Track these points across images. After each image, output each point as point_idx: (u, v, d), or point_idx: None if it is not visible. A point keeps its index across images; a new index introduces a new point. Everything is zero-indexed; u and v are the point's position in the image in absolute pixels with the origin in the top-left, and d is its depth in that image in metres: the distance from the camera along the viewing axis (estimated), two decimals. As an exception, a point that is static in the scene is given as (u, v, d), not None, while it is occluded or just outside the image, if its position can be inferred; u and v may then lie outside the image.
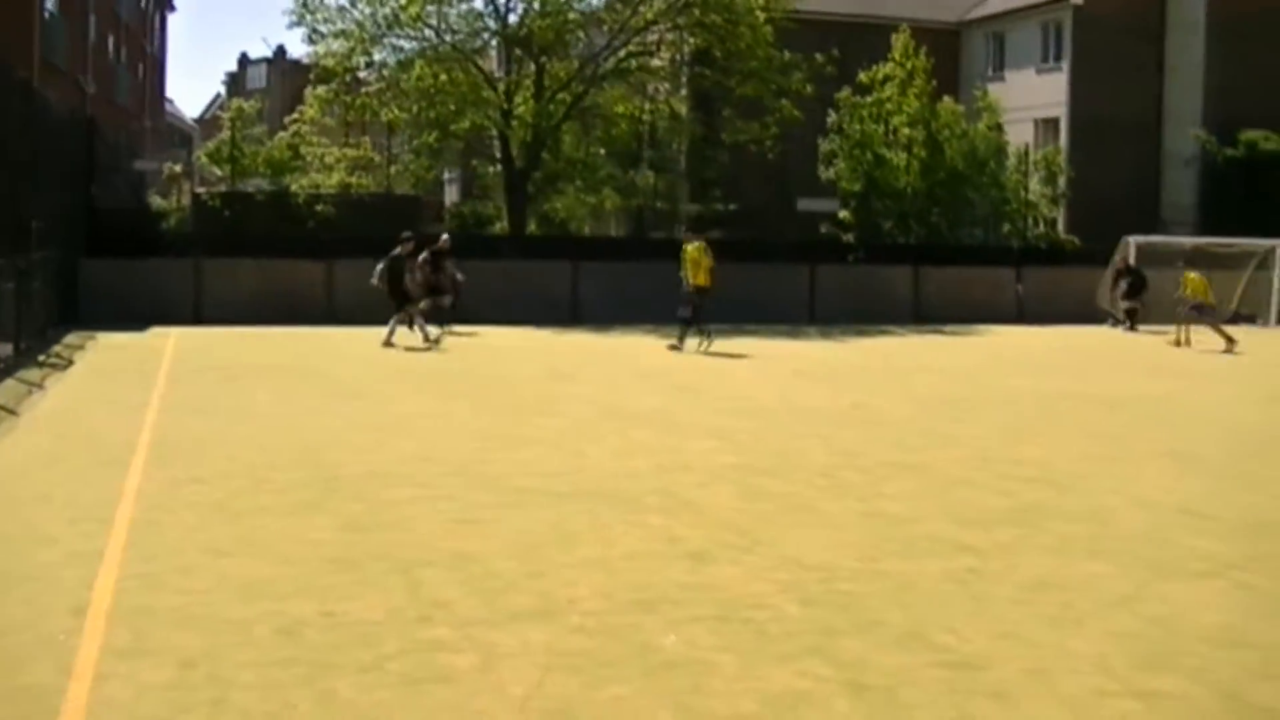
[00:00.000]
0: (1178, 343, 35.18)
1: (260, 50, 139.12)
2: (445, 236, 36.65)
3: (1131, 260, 41.58)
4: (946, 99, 49.96)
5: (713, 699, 7.56)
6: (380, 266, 31.86)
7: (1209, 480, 15.21)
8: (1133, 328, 39.79)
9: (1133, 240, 42.41)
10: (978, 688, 7.87)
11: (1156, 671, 8.22)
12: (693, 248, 31.76)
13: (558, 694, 7.58)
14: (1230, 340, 34.01)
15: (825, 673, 8.03)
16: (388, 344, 30.33)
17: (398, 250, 32.07)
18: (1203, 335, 35.19)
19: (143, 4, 72.88)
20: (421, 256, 33.96)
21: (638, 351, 30.66)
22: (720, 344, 30.90)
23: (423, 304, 32.93)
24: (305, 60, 56.64)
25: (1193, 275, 36.43)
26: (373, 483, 13.75)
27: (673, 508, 12.74)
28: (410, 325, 31.51)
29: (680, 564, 10.58)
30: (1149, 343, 36.33)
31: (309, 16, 45.25)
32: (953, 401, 22.32)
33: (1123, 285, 40.53)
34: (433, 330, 32.18)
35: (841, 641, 8.64)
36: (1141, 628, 9.15)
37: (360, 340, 30.90)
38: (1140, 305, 40.39)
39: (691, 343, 30.51)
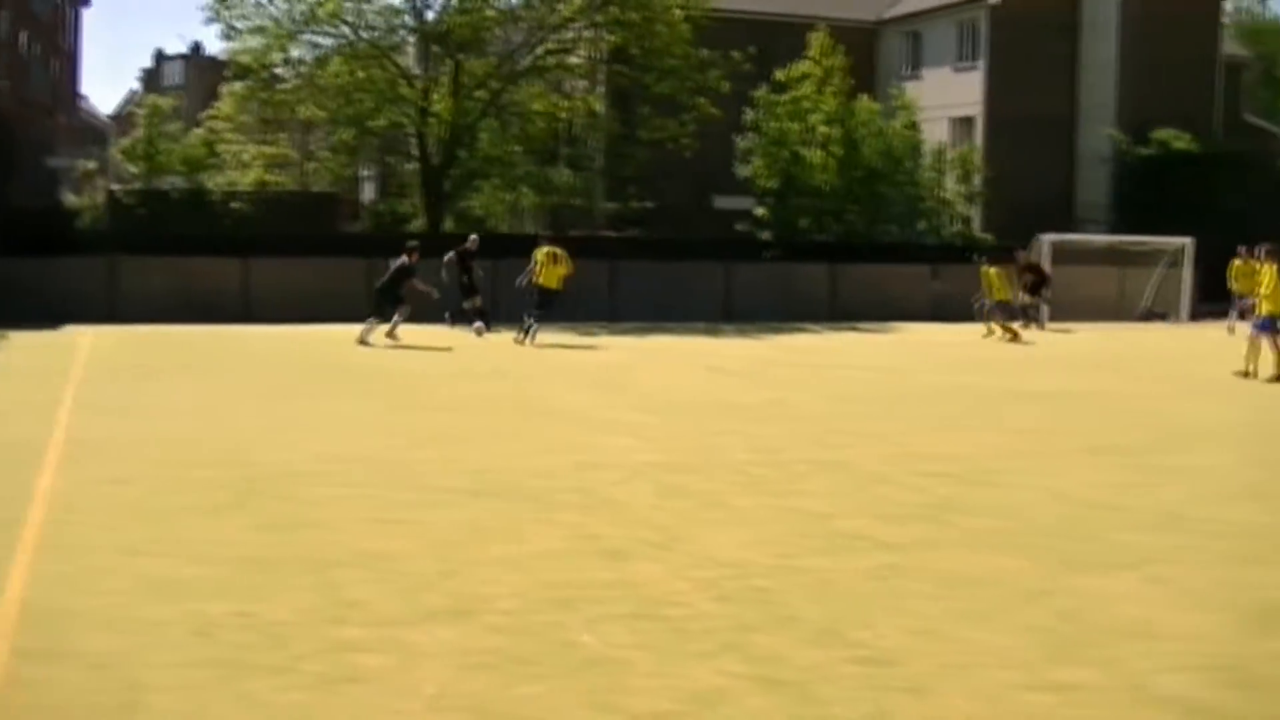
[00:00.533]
0: (990, 333, 35.83)
1: (176, 46, 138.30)
2: (474, 237, 36.77)
3: (1045, 259, 41.85)
4: (863, 97, 50.15)
5: (629, 696, 7.56)
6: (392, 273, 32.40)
7: (1124, 474, 15.33)
8: (1029, 324, 40.15)
9: (1046, 238, 42.71)
10: (893, 683, 7.90)
11: (1068, 664, 8.28)
12: (542, 253, 32.78)
13: (472, 693, 7.57)
14: (1015, 334, 35.45)
15: (741, 669, 8.04)
16: (392, 335, 31.34)
17: (403, 259, 32.54)
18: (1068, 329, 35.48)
19: (56, -1, 72.27)
20: (448, 256, 34.74)
21: (557, 349, 30.61)
22: (638, 341, 31.04)
23: (464, 304, 34.36)
24: (221, 57, 56.29)
25: (991, 270, 36.91)
26: (291, 482, 13.69)
27: (590, 505, 12.74)
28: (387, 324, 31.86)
29: (597, 562, 10.57)
30: (1051, 339, 36.62)
31: (225, 13, 45.09)
32: (870, 398, 22.43)
33: (1025, 282, 40.85)
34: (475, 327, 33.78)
35: (757, 638, 8.64)
36: (1055, 621, 9.21)
37: (277, 338, 30.78)
38: (1041, 303, 40.75)
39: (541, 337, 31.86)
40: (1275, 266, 26.42)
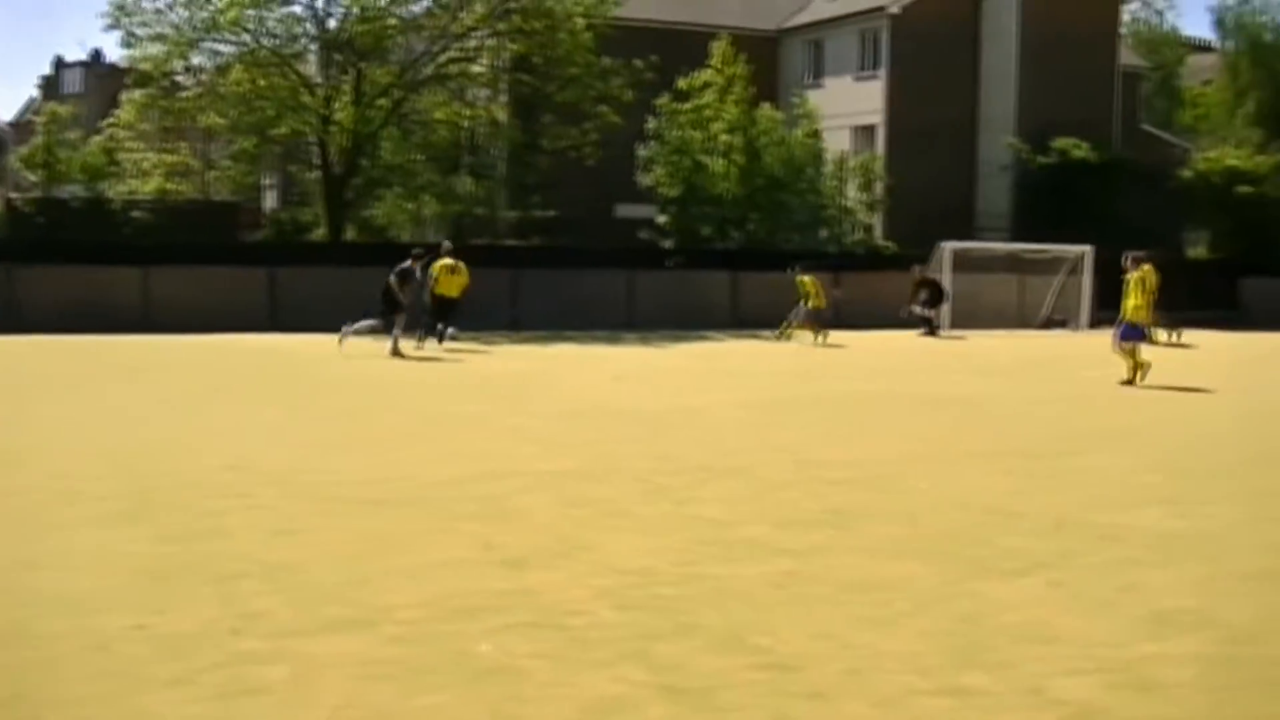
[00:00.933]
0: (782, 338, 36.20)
1: (76, 54, 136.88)
2: (447, 243, 36.90)
3: (946, 267, 42.16)
4: (765, 106, 50.34)
5: (528, 706, 7.57)
6: (393, 277, 32.40)
7: (1021, 479, 15.48)
8: (932, 333, 40.51)
9: (947, 246, 43.00)
10: (795, 689, 7.95)
11: (967, 668, 8.36)
12: (439, 265, 34.11)
13: (372, 703, 7.55)
14: (823, 336, 36.16)
15: (641, 677, 8.06)
16: (396, 353, 30.92)
17: (409, 263, 32.68)
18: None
19: (-48, 5, 71.50)
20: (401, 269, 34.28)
21: (458, 357, 30.54)
22: (540, 349, 31.06)
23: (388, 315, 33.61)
24: (122, 64, 55.85)
25: (806, 279, 37.33)
26: (190, 493, 13.58)
27: (491, 514, 12.72)
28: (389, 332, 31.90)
29: (497, 571, 10.56)
30: (956, 347, 36.88)
31: (125, 19, 44.76)
32: (771, 405, 22.50)
33: (923, 295, 41.17)
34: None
35: (658, 646, 8.67)
36: (953, 626, 9.30)
37: (176, 348, 30.56)
38: (937, 314, 41.10)
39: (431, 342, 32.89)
40: (1137, 276, 27.47)
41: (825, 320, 37.99)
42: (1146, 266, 27.58)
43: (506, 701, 7.63)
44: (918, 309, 40.97)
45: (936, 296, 41.10)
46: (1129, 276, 27.56)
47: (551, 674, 8.09)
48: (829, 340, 36.26)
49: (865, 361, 31.15)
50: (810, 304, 37.80)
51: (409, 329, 32.03)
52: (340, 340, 31.09)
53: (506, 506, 13.12)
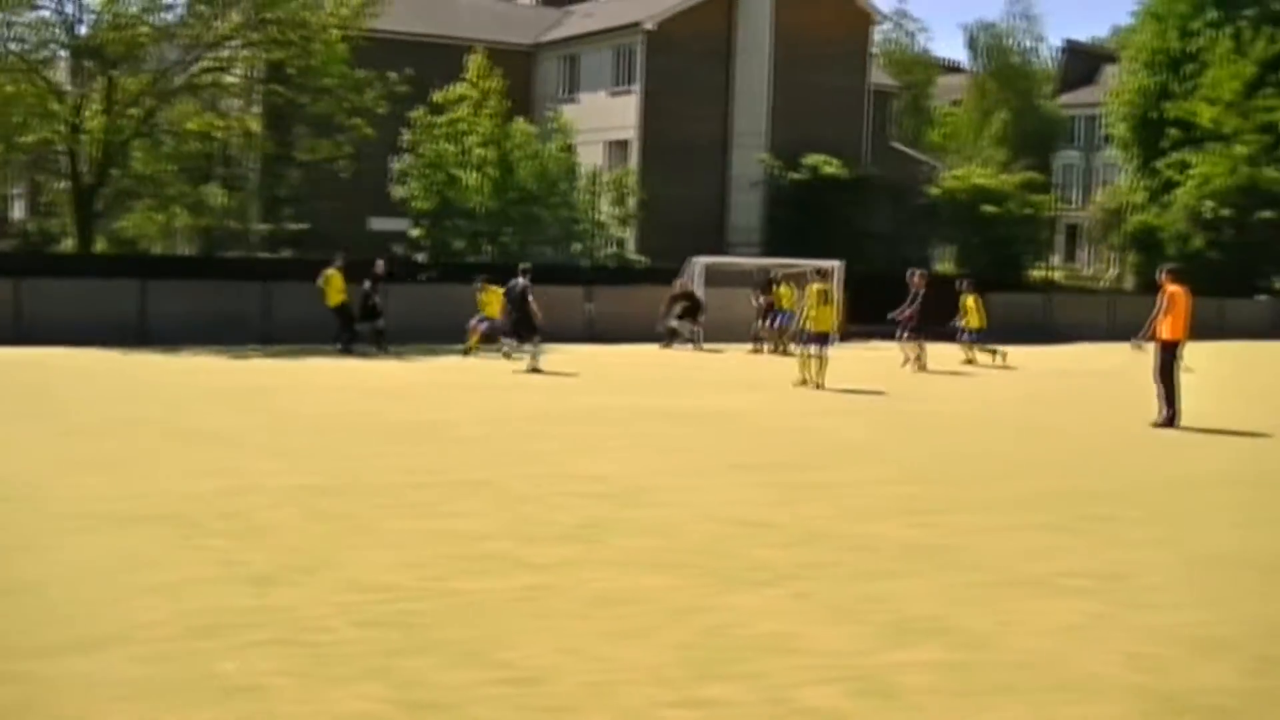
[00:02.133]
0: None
1: None
2: (380, 261, 38.23)
3: (699, 280, 42.49)
4: (520, 120, 50.36)
5: (271, 724, 7.52)
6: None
7: (769, 491, 15.64)
8: (671, 343, 40.85)
9: (699, 261, 43.31)
10: (538, 703, 7.98)
11: (712, 680, 8.45)
12: (332, 272, 35.60)
13: (110, 725, 7.44)
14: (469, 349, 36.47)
15: (385, 694, 8.04)
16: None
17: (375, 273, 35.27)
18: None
19: None
20: (366, 285, 36.80)
21: (207, 371, 30.10)
22: (291, 363, 30.83)
23: (364, 326, 36.64)
24: None
25: (488, 291, 37.79)
26: (-76, 510, 13.26)
27: (237, 530, 12.57)
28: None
29: (243, 588, 10.44)
30: (708, 360, 37.19)
31: None
32: (524, 418, 22.47)
33: (677, 309, 41.44)
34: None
35: (403, 662, 8.64)
36: (700, 638, 9.38)
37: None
38: (697, 327, 41.38)
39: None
40: (818, 288, 29.58)
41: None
42: (820, 285, 29.92)
43: (249, 720, 7.56)
44: (673, 322, 41.22)
45: (694, 309, 41.35)
46: (810, 288, 29.07)
47: (296, 692, 8.03)
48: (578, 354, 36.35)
49: (616, 375, 31.22)
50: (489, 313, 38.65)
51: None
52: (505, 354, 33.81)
53: (253, 523, 12.97)
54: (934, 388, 29.60)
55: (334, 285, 36.03)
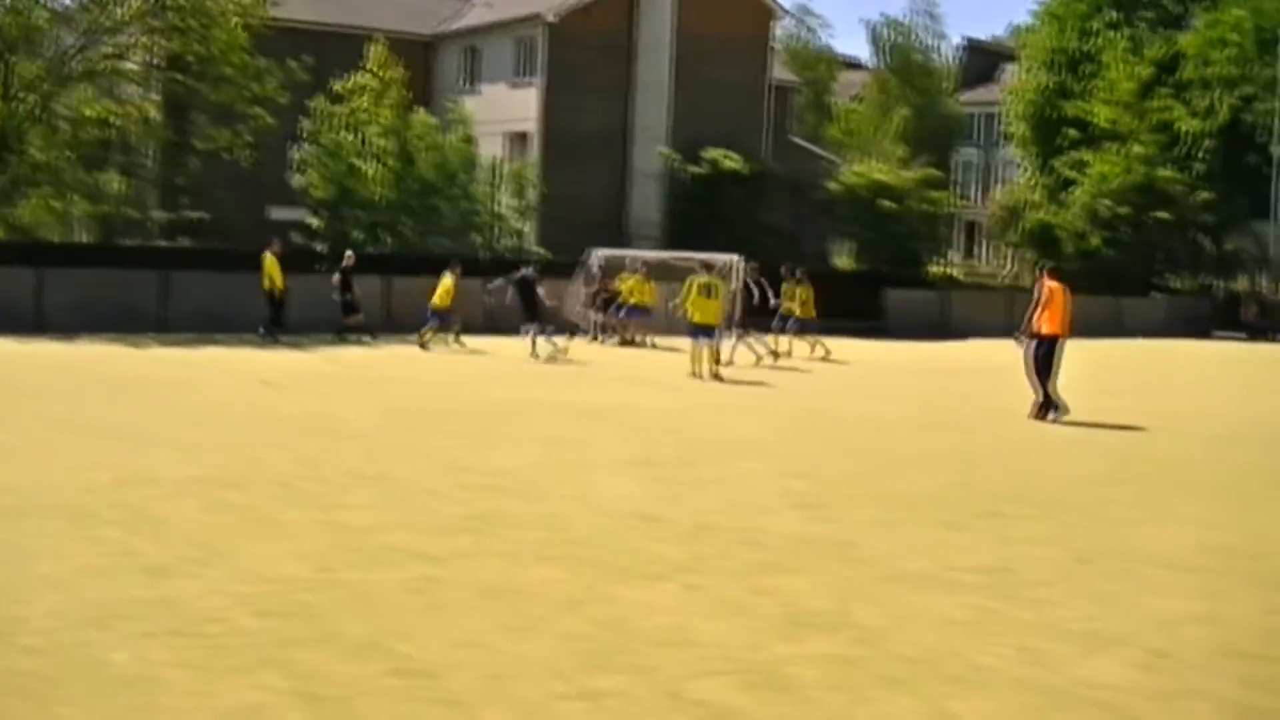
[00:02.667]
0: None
1: None
2: (350, 253, 39.26)
3: (595, 273, 42.46)
4: (420, 110, 50.23)
5: (164, 715, 7.52)
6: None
7: (660, 485, 15.75)
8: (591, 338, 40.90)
9: (598, 253, 43.30)
10: (433, 695, 8.02)
11: (604, 672, 8.53)
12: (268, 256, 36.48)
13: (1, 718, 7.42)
14: (425, 347, 36.44)
15: (280, 685, 8.05)
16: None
17: (527, 271, 36.06)
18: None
19: None
20: (335, 278, 37.88)
21: (104, 361, 29.85)
22: (188, 353, 30.72)
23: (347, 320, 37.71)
24: None
25: (447, 280, 37.84)
26: None
27: (132, 521, 12.53)
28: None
29: (137, 579, 10.42)
30: (621, 352, 37.26)
31: None
32: (418, 411, 22.47)
33: (586, 295, 41.43)
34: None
35: (298, 653, 8.66)
36: (591, 630, 9.46)
37: None
38: (602, 317, 41.43)
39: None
40: (701, 281, 30.48)
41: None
42: (703, 278, 30.54)
43: (141, 712, 7.56)
44: (589, 313, 41.21)
45: (611, 300, 41.23)
46: (692, 280, 30.03)
47: (189, 683, 8.03)
48: (470, 347, 36.33)
49: (516, 369, 31.21)
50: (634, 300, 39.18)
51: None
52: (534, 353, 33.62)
53: (148, 514, 12.93)
54: (821, 382, 29.75)
55: (268, 270, 36.29)
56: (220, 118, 45.85)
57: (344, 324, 37.65)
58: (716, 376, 29.44)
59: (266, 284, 36.69)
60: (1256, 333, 58.44)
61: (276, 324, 36.43)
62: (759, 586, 10.91)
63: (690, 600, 10.45)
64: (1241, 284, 63.65)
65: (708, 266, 31.51)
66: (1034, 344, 24.04)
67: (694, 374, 29.49)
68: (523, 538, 12.38)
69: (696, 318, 29.71)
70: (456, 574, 10.93)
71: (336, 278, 37.75)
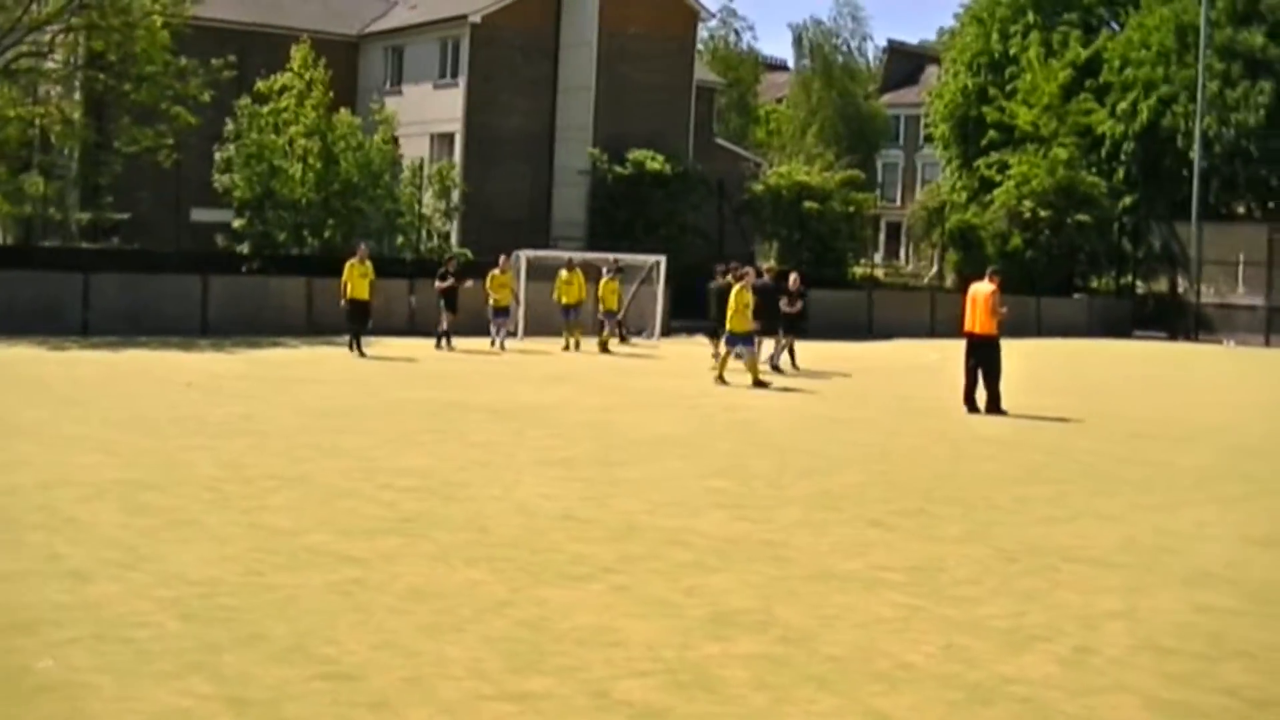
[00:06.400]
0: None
1: None
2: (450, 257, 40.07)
3: (520, 274, 42.43)
4: (344, 111, 50.00)
5: (88, 721, 7.49)
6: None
7: (584, 486, 15.76)
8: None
9: (522, 254, 43.26)
10: (359, 698, 8.01)
11: (530, 673, 8.55)
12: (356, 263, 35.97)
13: (-78, 723, 7.38)
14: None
15: (206, 690, 8.03)
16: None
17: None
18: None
19: None
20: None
21: (23, 363, 29.61)
22: (111, 355, 30.52)
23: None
24: None
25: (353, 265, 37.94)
26: None
27: (54, 524, 12.45)
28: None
29: (59, 583, 10.35)
30: (531, 356, 37.23)
31: None
32: (342, 412, 22.39)
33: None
34: None
35: (223, 657, 8.63)
36: (517, 631, 9.47)
37: None
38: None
39: None
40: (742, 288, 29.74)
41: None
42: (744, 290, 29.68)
43: (64, 719, 7.50)
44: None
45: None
46: (741, 290, 29.30)
47: (115, 689, 8.00)
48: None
49: (437, 370, 31.13)
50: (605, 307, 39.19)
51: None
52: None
53: (70, 516, 12.86)
54: (745, 380, 29.73)
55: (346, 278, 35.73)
56: (143, 118, 45.53)
57: (442, 331, 37.48)
58: (721, 380, 29.57)
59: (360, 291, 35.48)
60: (1176, 332, 59.06)
61: (356, 338, 35.01)
62: (686, 586, 10.95)
63: (617, 601, 10.47)
64: (1162, 284, 64.12)
65: (731, 270, 32.16)
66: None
67: (720, 380, 29.41)
68: (449, 539, 12.37)
69: (739, 326, 29.24)
70: (382, 576, 10.91)
71: (448, 283, 37.83)
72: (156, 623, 9.33)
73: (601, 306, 40.12)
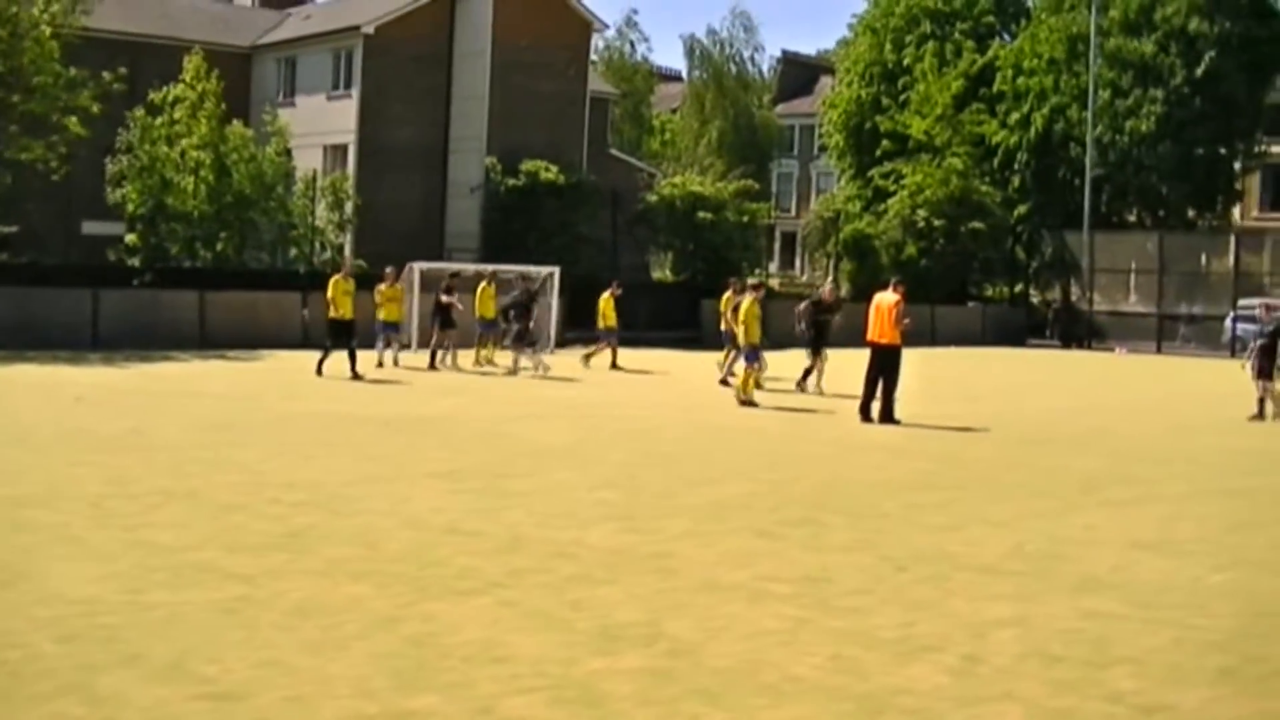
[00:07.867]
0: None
1: None
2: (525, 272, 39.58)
3: (414, 286, 42.24)
4: (237, 123, 49.75)
5: (-43, 745, 7.36)
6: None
7: (472, 498, 15.69)
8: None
9: (416, 266, 43.09)
10: (241, 718, 7.92)
11: (415, 691, 8.46)
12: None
13: None
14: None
15: (79, 712, 7.90)
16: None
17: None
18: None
19: None
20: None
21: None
22: (-2, 370, 30.16)
23: None
24: None
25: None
26: None
27: (-68, 543, 12.26)
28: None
29: (-67, 603, 10.20)
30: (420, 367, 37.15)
31: None
32: (230, 426, 22.21)
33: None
34: None
35: (101, 678, 8.50)
36: (404, 648, 9.38)
37: None
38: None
39: None
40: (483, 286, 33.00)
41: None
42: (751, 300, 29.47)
43: (-67, 742, 7.40)
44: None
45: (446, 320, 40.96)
46: (752, 301, 29.13)
47: (-14, 711, 7.86)
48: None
49: (331, 383, 30.94)
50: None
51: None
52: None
53: (-52, 535, 12.66)
54: (624, 390, 29.78)
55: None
56: (32, 129, 45.10)
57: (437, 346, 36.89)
58: (725, 383, 30.79)
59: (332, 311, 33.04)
60: (1069, 340, 59.66)
61: (350, 356, 32.28)
62: (573, 600, 10.91)
63: (504, 615, 10.40)
64: (1056, 293, 64.75)
65: (490, 276, 34.11)
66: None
67: (748, 402, 28.14)
68: (335, 554, 12.26)
69: (753, 338, 28.63)
70: (268, 593, 10.79)
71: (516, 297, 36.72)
72: (32, 643, 9.17)
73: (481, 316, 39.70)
